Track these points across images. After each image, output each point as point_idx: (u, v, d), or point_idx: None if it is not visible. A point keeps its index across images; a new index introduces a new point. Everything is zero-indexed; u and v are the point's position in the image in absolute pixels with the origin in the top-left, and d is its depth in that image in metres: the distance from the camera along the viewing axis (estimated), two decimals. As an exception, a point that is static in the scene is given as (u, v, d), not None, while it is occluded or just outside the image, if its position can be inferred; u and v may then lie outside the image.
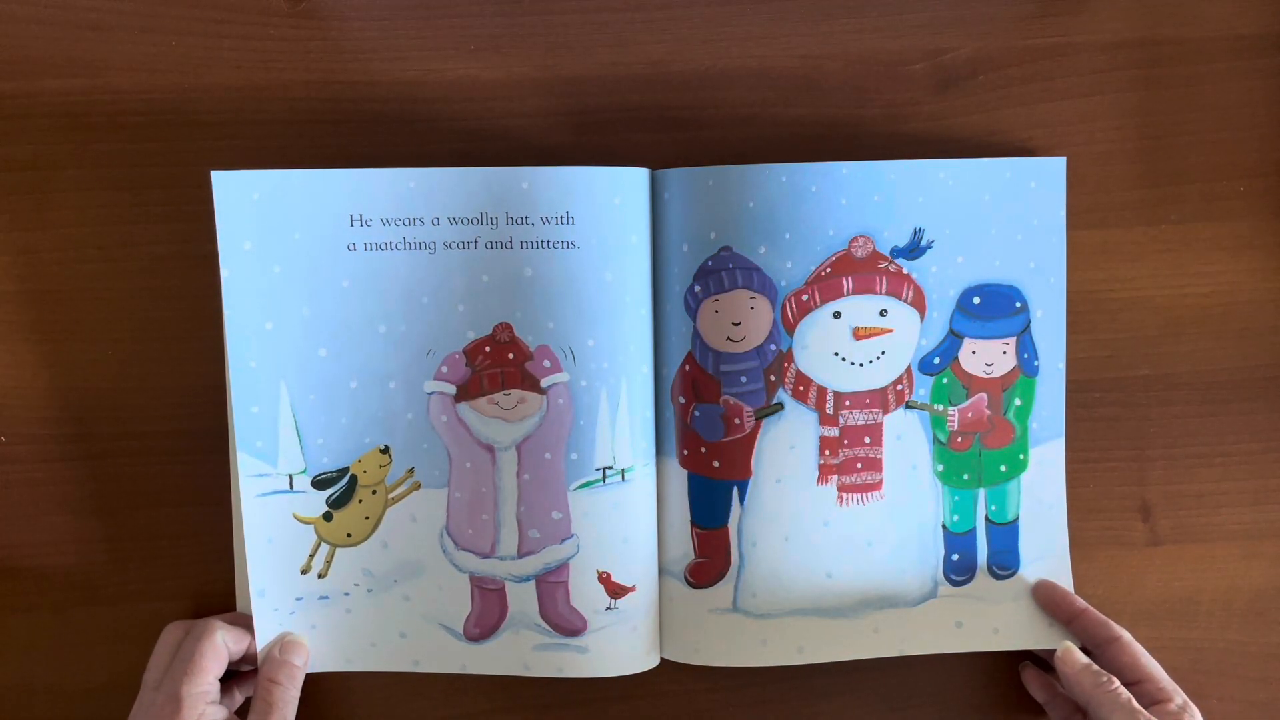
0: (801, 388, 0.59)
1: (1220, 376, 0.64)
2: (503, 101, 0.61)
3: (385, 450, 0.59)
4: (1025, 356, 0.61)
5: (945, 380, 0.61)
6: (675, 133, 0.61)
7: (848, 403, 0.60)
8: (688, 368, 0.59)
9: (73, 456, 0.61)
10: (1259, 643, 0.64)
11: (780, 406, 0.59)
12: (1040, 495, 0.62)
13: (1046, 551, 0.62)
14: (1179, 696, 0.56)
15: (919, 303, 0.60)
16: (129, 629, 0.61)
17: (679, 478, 0.60)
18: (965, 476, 0.61)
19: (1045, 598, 0.61)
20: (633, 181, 0.58)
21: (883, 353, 0.60)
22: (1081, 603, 0.61)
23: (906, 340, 0.60)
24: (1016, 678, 0.63)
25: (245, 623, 0.59)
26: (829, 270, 0.59)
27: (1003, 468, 0.62)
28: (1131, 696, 0.55)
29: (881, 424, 0.60)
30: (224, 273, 0.57)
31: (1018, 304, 0.60)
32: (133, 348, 0.61)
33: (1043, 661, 0.63)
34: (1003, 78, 0.62)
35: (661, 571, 0.61)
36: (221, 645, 0.56)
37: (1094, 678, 0.56)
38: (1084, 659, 0.58)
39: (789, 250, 0.59)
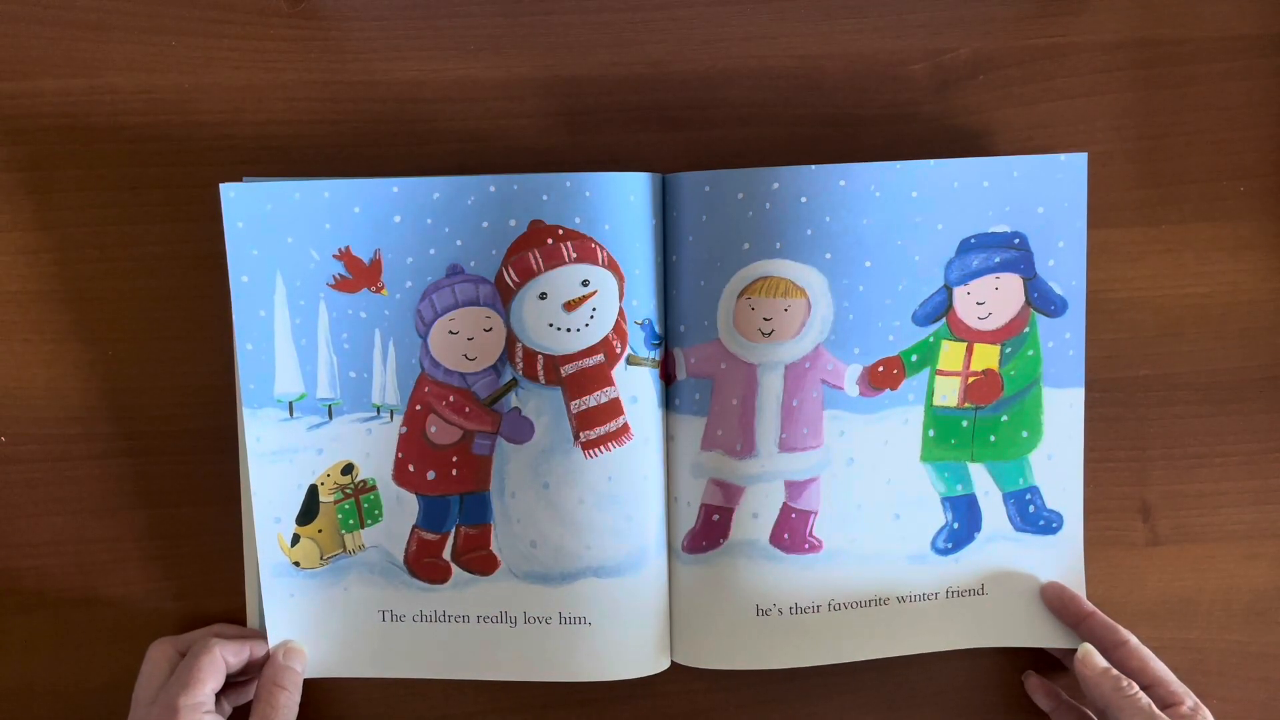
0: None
1: (1220, 376, 0.64)
2: (503, 101, 0.61)
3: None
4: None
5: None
6: (675, 133, 0.61)
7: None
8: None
9: (73, 456, 0.61)
10: (1259, 643, 0.64)
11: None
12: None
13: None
14: (1190, 699, 0.56)
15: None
16: (129, 629, 0.61)
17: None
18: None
19: (1053, 599, 0.61)
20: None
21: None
22: (1090, 606, 0.60)
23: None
24: (1017, 679, 0.64)
25: (240, 635, 0.59)
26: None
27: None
28: (1151, 701, 0.55)
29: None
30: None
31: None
32: (133, 348, 0.61)
33: (1046, 667, 0.63)
34: (1003, 78, 0.62)
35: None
36: (220, 659, 0.56)
37: (1114, 682, 0.56)
38: (1104, 662, 0.58)
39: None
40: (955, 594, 0.62)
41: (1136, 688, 0.56)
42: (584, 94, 0.61)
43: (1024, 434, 0.62)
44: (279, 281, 0.58)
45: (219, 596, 0.61)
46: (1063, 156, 0.59)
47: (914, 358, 0.61)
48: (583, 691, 0.62)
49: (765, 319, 0.59)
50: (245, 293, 0.58)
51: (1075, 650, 0.59)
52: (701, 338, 0.59)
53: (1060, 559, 0.62)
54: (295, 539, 0.60)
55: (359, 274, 0.58)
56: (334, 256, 0.58)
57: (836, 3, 0.62)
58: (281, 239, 0.58)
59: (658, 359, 0.60)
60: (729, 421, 0.60)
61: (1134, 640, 0.59)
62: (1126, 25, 0.62)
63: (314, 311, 0.59)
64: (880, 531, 0.61)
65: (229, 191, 0.57)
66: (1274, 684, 0.64)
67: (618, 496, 0.59)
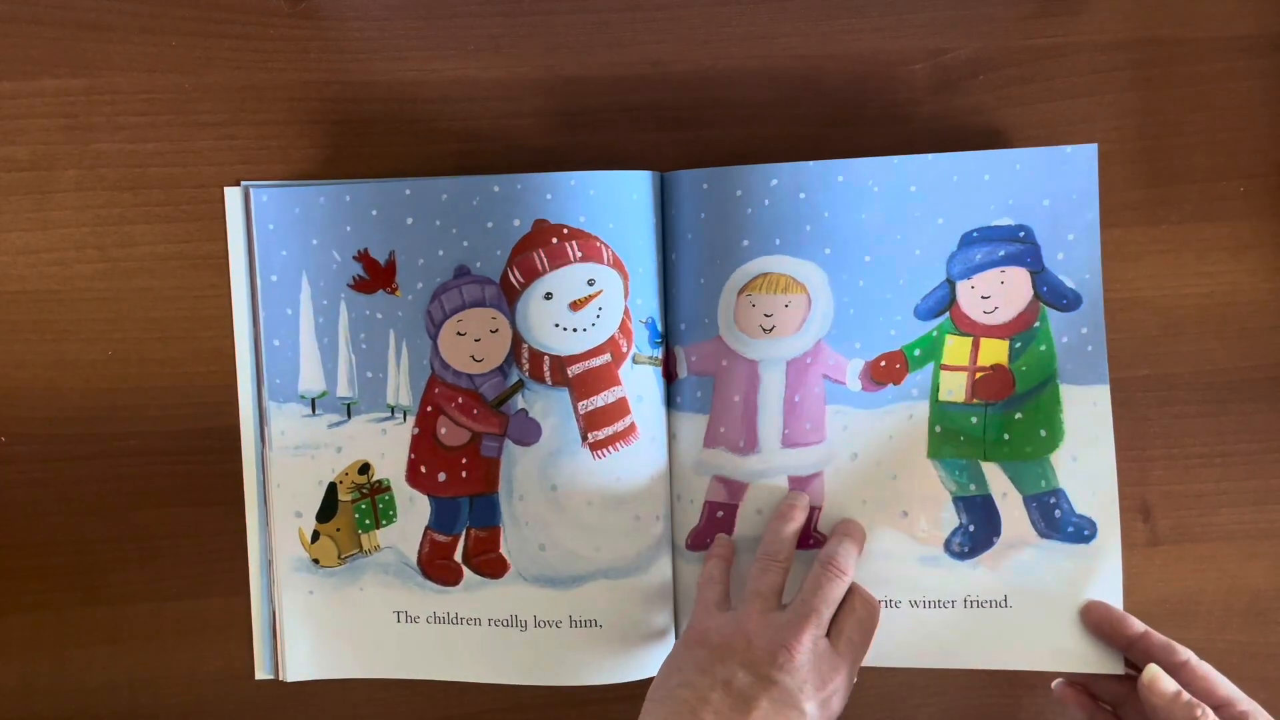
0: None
1: (1220, 376, 0.64)
2: (502, 101, 0.61)
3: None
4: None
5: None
6: (675, 132, 0.61)
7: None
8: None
9: (73, 456, 0.61)
10: (1259, 643, 0.64)
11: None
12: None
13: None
14: (1263, 715, 0.54)
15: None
16: (129, 629, 0.61)
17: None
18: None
19: (1099, 621, 0.58)
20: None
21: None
22: (1141, 625, 0.57)
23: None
24: (1017, 678, 0.63)
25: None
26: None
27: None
28: None
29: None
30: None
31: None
32: (133, 348, 0.61)
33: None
34: (1003, 78, 0.62)
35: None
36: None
37: (1188, 710, 0.52)
38: (1174, 686, 0.54)
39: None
40: (975, 604, 0.60)
41: (1212, 714, 0.52)
42: (584, 94, 0.61)
43: (1042, 433, 0.60)
44: (304, 282, 0.59)
45: (219, 596, 0.61)
46: (1069, 149, 0.59)
47: (916, 352, 0.60)
48: (583, 691, 0.62)
49: (766, 315, 0.59)
50: (274, 291, 0.59)
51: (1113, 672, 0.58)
52: (702, 335, 0.60)
53: (1095, 571, 0.60)
54: (315, 536, 0.60)
55: (376, 275, 0.59)
56: (354, 258, 0.59)
57: (836, 3, 0.62)
58: (308, 241, 0.59)
59: (660, 357, 0.60)
60: (731, 418, 0.60)
61: (1194, 657, 0.55)
62: (1126, 25, 0.62)
63: (335, 311, 0.59)
64: (887, 529, 0.61)
65: (261, 195, 0.59)
66: (1274, 684, 0.64)
67: (626, 496, 0.59)
